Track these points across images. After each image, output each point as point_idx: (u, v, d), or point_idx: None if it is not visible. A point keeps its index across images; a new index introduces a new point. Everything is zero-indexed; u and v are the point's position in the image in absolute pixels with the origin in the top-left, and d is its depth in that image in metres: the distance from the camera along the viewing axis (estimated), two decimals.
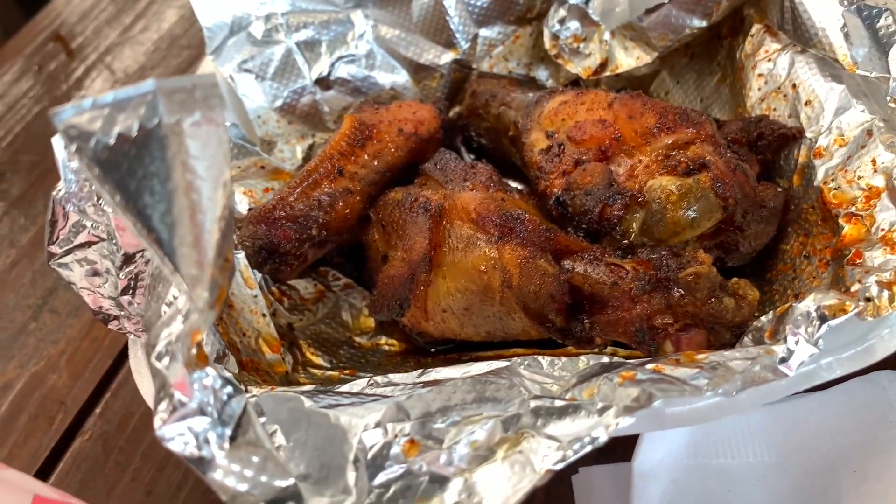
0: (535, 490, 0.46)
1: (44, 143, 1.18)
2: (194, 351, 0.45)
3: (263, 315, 0.73)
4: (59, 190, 0.58)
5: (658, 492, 0.65)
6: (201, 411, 0.45)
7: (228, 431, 0.46)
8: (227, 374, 0.49)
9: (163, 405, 0.45)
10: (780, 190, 0.71)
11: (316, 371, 0.75)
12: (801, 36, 0.73)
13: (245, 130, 0.86)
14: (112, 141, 0.41)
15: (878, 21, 0.67)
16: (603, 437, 0.46)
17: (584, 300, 0.67)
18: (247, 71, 0.92)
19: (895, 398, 0.64)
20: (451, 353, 0.77)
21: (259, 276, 0.75)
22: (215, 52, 0.91)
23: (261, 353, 0.72)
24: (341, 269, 0.84)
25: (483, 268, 0.67)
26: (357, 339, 0.80)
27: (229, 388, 0.46)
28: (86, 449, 0.82)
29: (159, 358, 0.45)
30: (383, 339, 0.80)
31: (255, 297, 0.73)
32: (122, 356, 0.91)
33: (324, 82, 0.95)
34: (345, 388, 0.59)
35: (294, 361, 0.75)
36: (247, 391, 0.60)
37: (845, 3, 0.69)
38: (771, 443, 0.65)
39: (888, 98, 0.65)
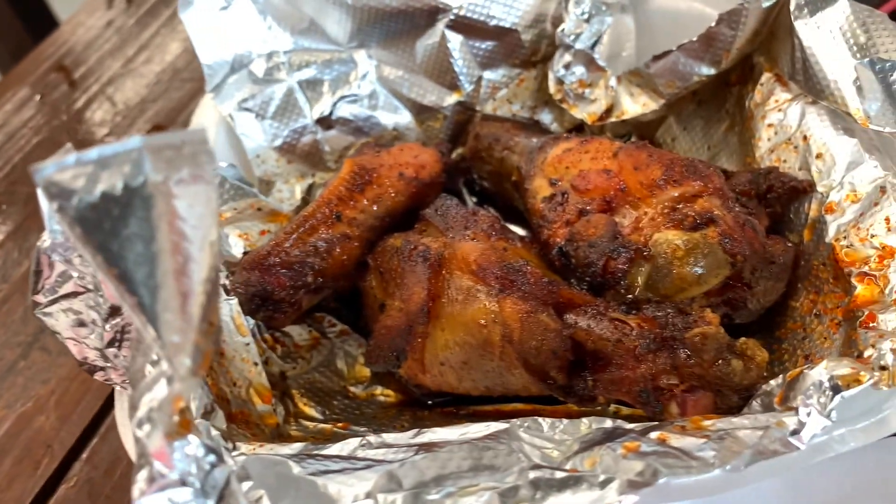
0: None
1: None
2: (177, 418, 0.43)
3: (255, 364, 0.71)
4: (45, 240, 0.56)
5: None
6: (182, 482, 0.43)
7: (211, 503, 0.44)
8: (211, 441, 0.47)
9: (142, 474, 0.43)
10: (789, 245, 0.69)
11: (308, 423, 0.72)
12: (812, 87, 0.71)
13: (243, 171, 0.84)
14: (95, 200, 0.39)
15: (891, 75, 0.65)
16: None
17: (587, 357, 0.64)
18: (247, 110, 0.90)
19: None
20: (449, 407, 0.75)
21: (252, 322, 0.73)
22: (215, 90, 0.90)
23: (251, 403, 0.70)
24: (337, 314, 0.82)
25: (483, 321, 0.65)
26: (352, 388, 0.78)
27: (212, 457, 0.44)
28: (70, 496, 0.80)
29: (140, 425, 0.43)
30: (379, 390, 0.78)
31: (248, 344, 0.71)
32: (112, 398, 0.88)
33: (325, 121, 0.94)
34: (335, 448, 0.56)
35: (286, 412, 0.73)
36: (234, 448, 0.58)
37: (858, 55, 0.68)
38: None
39: None
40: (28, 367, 0.93)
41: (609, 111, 0.87)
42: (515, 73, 0.94)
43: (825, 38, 0.70)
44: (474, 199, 0.96)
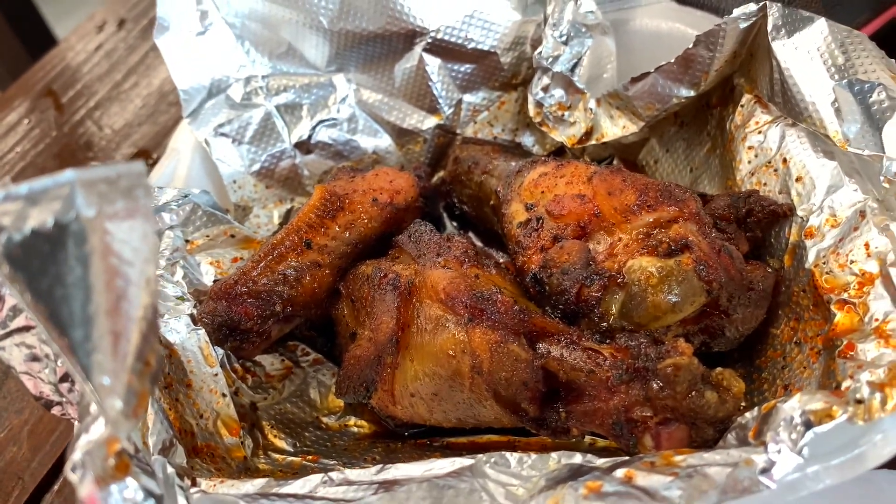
0: None
1: None
2: (112, 462, 0.42)
3: (223, 395, 0.69)
4: None
5: None
6: None
7: None
8: (156, 481, 0.45)
9: None
10: (769, 271, 0.67)
11: (277, 456, 0.71)
12: (791, 109, 0.70)
13: (217, 197, 0.83)
14: (24, 237, 0.38)
15: (870, 96, 0.64)
16: None
17: (560, 388, 0.63)
18: (223, 135, 0.90)
19: (894, 501, 0.59)
20: (423, 439, 0.73)
21: (221, 352, 0.72)
22: (192, 115, 0.89)
23: (218, 436, 0.68)
24: (311, 343, 0.80)
25: (451, 352, 0.63)
26: (324, 419, 0.76)
27: (150, 502, 0.42)
28: None
29: (74, 469, 0.42)
30: (352, 421, 0.76)
31: (216, 375, 0.69)
32: None
33: (304, 146, 0.93)
34: (296, 486, 0.55)
35: (254, 445, 0.71)
36: (193, 484, 0.56)
37: (836, 77, 0.66)
38: None
39: (882, 177, 0.62)
40: (3, 396, 0.92)
41: (589, 134, 0.86)
42: (496, 96, 0.93)
43: (803, 59, 0.68)
44: (455, 224, 0.94)
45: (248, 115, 0.90)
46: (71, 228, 0.38)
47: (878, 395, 0.50)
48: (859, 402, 0.51)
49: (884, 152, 0.62)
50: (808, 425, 0.48)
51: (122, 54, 1.46)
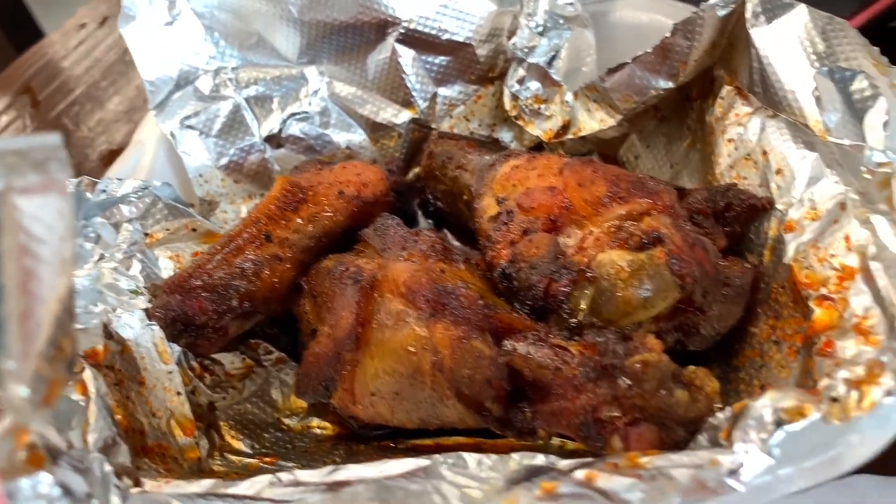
0: None
1: None
2: (22, 454, 0.39)
3: (178, 393, 0.66)
4: None
5: None
6: None
7: None
8: (81, 481, 0.42)
9: None
10: (747, 267, 0.64)
11: (234, 458, 0.68)
12: (770, 99, 0.67)
13: (180, 190, 0.80)
14: None
15: (851, 84, 0.61)
16: None
17: (526, 386, 0.60)
18: (190, 127, 0.87)
19: None
20: (387, 441, 0.70)
21: (178, 350, 0.69)
22: (158, 108, 0.87)
23: (171, 436, 0.65)
24: (274, 341, 0.77)
25: (412, 348, 0.60)
26: (286, 420, 0.73)
27: (66, 501, 0.39)
28: None
29: None
30: (315, 422, 0.73)
31: (170, 373, 0.66)
32: None
33: (274, 140, 0.90)
34: (242, 487, 0.52)
35: (210, 446, 0.68)
36: (136, 484, 0.53)
37: (817, 64, 0.63)
38: None
39: (863, 168, 0.59)
40: None
41: (566, 128, 0.83)
42: (472, 90, 0.91)
43: (783, 46, 0.66)
44: (430, 222, 0.92)
45: (217, 107, 0.88)
46: None
47: (854, 393, 0.47)
48: (834, 400, 0.48)
49: (865, 142, 0.59)
50: (779, 424, 0.46)
51: (102, 52, 1.44)
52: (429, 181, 0.88)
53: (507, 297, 0.67)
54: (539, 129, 0.85)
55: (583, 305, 0.62)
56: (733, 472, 0.44)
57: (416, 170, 0.93)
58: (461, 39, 0.87)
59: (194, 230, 0.77)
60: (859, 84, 0.61)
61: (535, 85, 0.83)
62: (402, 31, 0.87)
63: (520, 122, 0.86)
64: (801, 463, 0.46)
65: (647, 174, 0.83)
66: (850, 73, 0.62)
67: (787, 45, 0.65)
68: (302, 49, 0.90)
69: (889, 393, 0.46)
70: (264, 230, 0.69)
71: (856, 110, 0.61)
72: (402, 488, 0.48)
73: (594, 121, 0.81)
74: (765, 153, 0.68)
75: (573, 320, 0.62)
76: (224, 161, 0.89)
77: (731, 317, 0.64)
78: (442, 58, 0.89)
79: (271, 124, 0.90)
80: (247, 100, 0.89)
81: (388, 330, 0.62)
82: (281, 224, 0.70)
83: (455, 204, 0.85)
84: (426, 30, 0.87)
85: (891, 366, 0.47)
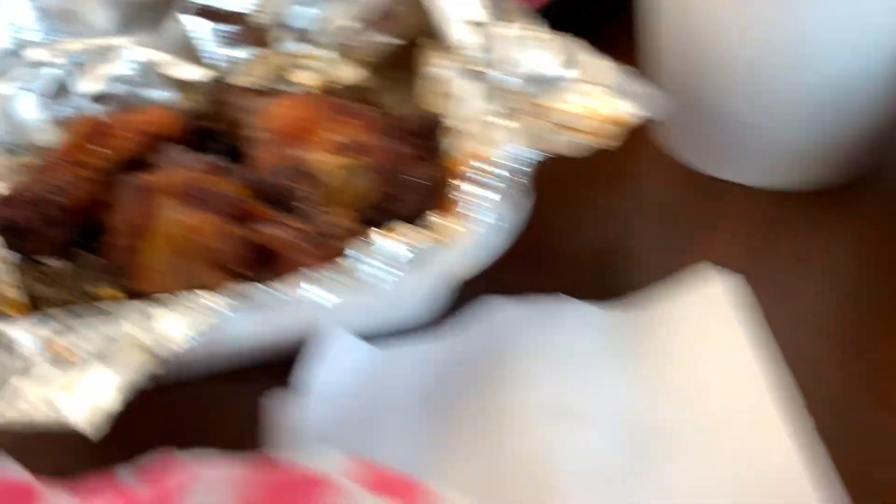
0: None
1: None
2: None
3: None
4: None
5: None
6: None
7: None
8: None
9: None
10: (435, 167, 0.89)
11: None
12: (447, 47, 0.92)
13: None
14: None
15: None
16: None
17: (269, 255, 0.82)
18: (23, 90, 1.04)
19: (500, 328, 0.78)
20: None
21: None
22: None
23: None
24: (88, 248, 0.95)
25: (184, 234, 0.82)
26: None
27: None
28: None
29: None
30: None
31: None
32: None
33: (99, 100, 1.08)
34: None
35: None
36: None
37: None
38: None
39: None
40: None
41: (329, 82, 1.07)
42: (260, 51, 1.12)
43: None
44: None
45: (35, 72, 1.05)
46: None
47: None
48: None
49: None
50: None
51: None
52: (222, 124, 1.09)
53: (263, 199, 0.89)
54: (310, 83, 1.08)
55: (312, 199, 0.85)
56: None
57: (215, 125, 1.13)
58: (245, 11, 1.09)
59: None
60: None
61: (293, 46, 1.07)
62: (193, 3, 1.08)
63: (291, 78, 1.09)
64: None
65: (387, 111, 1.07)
66: None
67: None
68: (118, 23, 1.09)
69: None
70: (73, 157, 0.89)
71: None
72: None
73: (345, 73, 1.05)
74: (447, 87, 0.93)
75: (307, 209, 0.85)
76: (49, 116, 1.06)
77: (423, 206, 0.88)
78: (230, 26, 1.10)
79: (96, 86, 1.08)
80: (73, 65, 1.07)
81: (165, 222, 0.83)
82: (86, 150, 0.89)
83: (238, 139, 1.07)
84: (214, 4, 1.08)
85: None
